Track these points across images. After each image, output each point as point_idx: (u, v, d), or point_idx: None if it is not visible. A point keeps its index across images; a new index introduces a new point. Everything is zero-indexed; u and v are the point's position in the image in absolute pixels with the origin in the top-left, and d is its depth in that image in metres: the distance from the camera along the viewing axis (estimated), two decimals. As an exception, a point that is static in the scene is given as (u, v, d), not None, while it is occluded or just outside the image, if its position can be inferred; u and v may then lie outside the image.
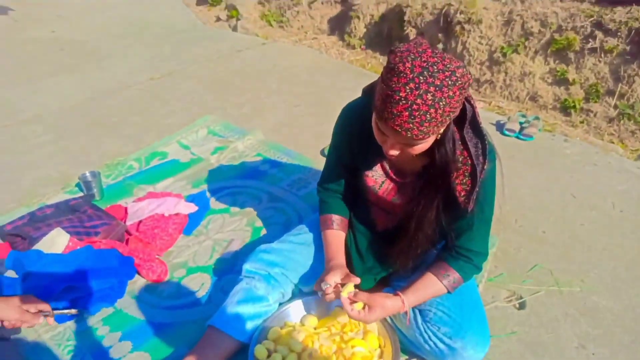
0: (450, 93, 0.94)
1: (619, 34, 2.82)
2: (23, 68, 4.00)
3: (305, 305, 1.55)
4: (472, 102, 1.09)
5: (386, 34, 4.02)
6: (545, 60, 3.13)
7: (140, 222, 2.00)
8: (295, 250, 1.57)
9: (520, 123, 2.78)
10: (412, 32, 3.73)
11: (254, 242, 1.96)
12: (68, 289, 1.66)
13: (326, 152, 1.66)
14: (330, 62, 3.99)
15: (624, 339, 1.55)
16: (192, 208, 2.10)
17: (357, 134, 1.33)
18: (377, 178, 1.38)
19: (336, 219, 1.51)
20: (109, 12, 5.31)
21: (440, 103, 0.94)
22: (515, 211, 2.13)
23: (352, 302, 1.27)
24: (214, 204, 2.22)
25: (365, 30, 4.20)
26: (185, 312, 1.67)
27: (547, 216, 2.10)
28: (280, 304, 1.54)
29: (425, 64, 0.94)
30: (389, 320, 1.44)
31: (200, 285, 1.78)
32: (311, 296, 1.55)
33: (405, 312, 1.31)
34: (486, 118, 2.95)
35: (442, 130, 1.08)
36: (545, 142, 2.67)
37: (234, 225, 2.08)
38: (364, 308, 1.28)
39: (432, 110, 0.94)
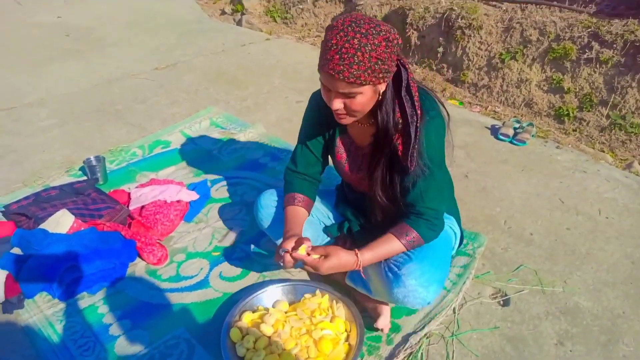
0: (376, 41, 1.11)
1: (614, 45, 2.90)
2: (28, 52, 4.04)
3: (277, 291, 1.65)
4: (407, 67, 1.23)
5: (388, 35, 4.08)
6: (542, 68, 3.21)
7: (142, 207, 2.06)
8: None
9: (515, 128, 2.85)
10: (413, 35, 3.80)
11: (251, 232, 2.03)
12: (71, 267, 1.72)
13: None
14: (333, 60, 4.05)
15: (600, 338, 1.63)
16: (193, 196, 2.16)
17: (324, 115, 1.46)
18: (341, 153, 1.53)
19: (300, 197, 1.57)
20: (115, 0, 5.35)
21: (366, 48, 1.10)
22: (505, 213, 2.21)
23: (309, 254, 1.33)
24: (214, 193, 2.28)
25: (368, 30, 4.26)
26: (184, 295, 1.74)
27: (535, 219, 2.18)
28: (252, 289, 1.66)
29: (354, 19, 1.14)
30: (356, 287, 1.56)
31: (199, 270, 1.85)
32: (283, 283, 1.67)
33: (359, 269, 1.37)
34: (482, 122, 3.02)
35: (380, 89, 1.22)
36: (538, 148, 2.75)
37: (233, 214, 2.14)
38: (320, 258, 1.34)
39: (359, 53, 1.10)
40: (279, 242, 1.67)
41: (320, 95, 1.42)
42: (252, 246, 1.96)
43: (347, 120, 1.30)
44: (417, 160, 1.27)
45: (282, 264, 1.38)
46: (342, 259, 1.34)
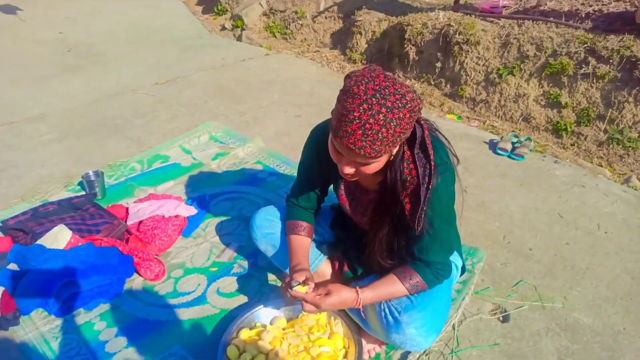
0: (401, 115, 1.02)
1: (611, 61, 2.92)
2: (30, 67, 4.07)
3: (275, 308, 1.63)
4: (423, 124, 1.16)
5: (387, 50, 4.13)
6: (539, 83, 3.23)
7: (140, 222, 2.06)
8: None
9: (513, 143, 2.86)
10: (411, 50, 3.83)
11: (250, 247, 2.02)
12: (68, 283, 1.71)
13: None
14: (332, 75, 4.08)
15: (601, 355, 1.61)
16: (191, 211, 2.16)
17: (326, 154, 1.30)
18: (345, 197, 1.47)
19: (303, 224, 1.57)
20: (116, 17, 5.41)
21: (391, 123, 1.01)
22: (504, 228, 2.20)
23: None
24: (213, 208, 2.28)
25: (366, 45, 4.31)
26: (181, 311, 1.73)
27: (534, 234, 2.17)
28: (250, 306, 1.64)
29: (378, 87, 1.01)
30: (352, 317, 1.53)
31: (197, 285, 1.84)
32: (280, 299, 1.63)
33: (359, 307, 1.35)
34: (480, 137, 3.04)
35: (394, 151, 1.16)
36: (536, 163, 2.75)
37: (231, 229, 2.14)
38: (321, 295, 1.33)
39: (383, 129, 1.02)
40: (275, 262, 1.67)
41: (322, 132, 1.37)
42: (250, 262, 1.95)
43: (353, 178, 1.25)
44: (425, 220, 1.21)
45: (287, 297, 1.36)
46: (343, 297, 1.32)
